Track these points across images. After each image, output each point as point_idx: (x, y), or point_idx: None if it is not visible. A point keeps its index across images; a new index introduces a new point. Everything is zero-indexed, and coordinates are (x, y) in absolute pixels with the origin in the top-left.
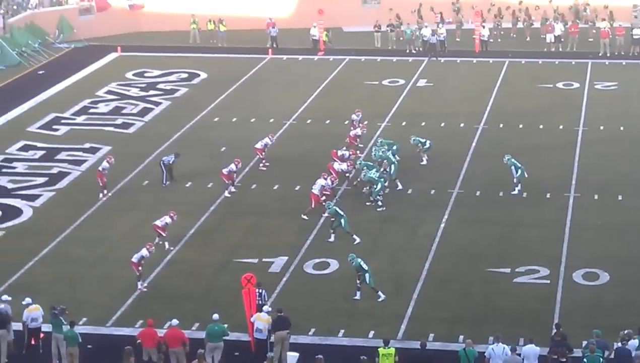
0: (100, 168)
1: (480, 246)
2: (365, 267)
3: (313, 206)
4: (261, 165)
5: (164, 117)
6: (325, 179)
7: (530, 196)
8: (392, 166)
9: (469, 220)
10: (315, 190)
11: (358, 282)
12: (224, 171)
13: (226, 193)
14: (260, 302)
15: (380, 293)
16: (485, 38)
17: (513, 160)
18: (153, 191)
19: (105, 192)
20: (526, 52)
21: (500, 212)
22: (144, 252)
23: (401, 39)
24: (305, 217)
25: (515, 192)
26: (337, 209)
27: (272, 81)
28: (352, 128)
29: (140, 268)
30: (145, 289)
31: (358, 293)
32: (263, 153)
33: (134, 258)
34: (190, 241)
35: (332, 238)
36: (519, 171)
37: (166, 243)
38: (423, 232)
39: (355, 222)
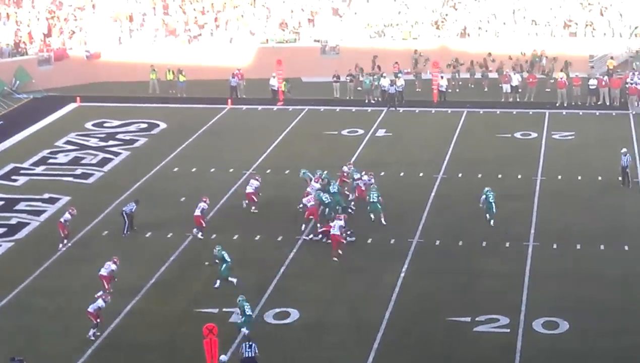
0: (62, 219)
1: (441, 295)
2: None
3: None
4: (253, 208)
5: (124, 167)
6: (340, 220)
7: (490, 245)
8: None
9: (429, 270)
10: (336, 230)
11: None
12: (197, 213)
13: (199, 235)
14: (250, 355)
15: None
16: (444, 88)
17: (490, 194)
18: (113, 241)
19: (65, 242)
20: (484, 102)
21: (460, 261)
22: (100, 302)
23: (359, 89)
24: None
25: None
26: (224, 255)
27: (232, 131)
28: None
29: (98, 319)
30: (93, 338)
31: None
32: (255, 197)
33: (90, 308)
34: (150, 291)
35: (217, 284)
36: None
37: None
38: (383, 282)
39: (316, 272)
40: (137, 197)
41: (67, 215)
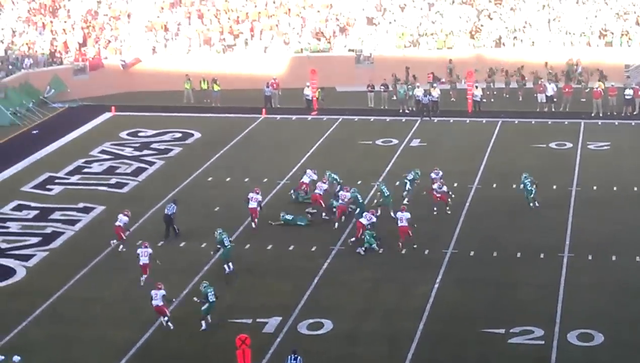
0: (120, 223)
1: (475, 306)
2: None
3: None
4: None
5: (158, 176)
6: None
7: (524, 256)
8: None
9: (464, 280)
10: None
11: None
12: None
13: (120, 248)
14: None
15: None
16: (478, 98)
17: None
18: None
19: (121, 247)
20: (519, 112)
21: (494, 272)
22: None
23: (394, 98)
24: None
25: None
26: (225, 239)
27: (266, 141)
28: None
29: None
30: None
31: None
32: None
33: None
34: (184, 301)
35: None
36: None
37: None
38: (417, 292)
39: (350, 282)
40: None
41: (124, 218)
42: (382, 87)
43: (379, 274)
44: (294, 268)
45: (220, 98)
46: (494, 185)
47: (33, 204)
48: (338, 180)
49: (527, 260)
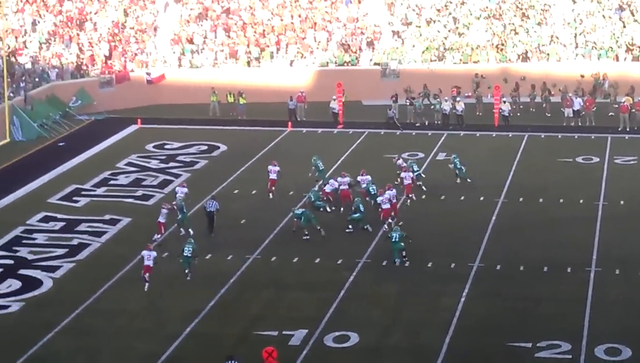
0: (162, 219)
1: (501, 320)
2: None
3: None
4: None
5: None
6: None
7: (551, 270)
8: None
9: (490, 294)
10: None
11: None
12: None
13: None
14: None
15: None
16: (506, 113)
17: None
18: (172, 263)
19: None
20: (546, 126)
21: (520, 286)
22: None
23: (420, 109)
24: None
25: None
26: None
27: (292, 154)
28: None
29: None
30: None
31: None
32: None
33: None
34: (209, 313)
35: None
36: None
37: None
38: (443, 306)
39: (376, 295)
40: (198, 218)
41: (164, 211)
42: (407, 100)
43: (405, 287)
44: (320, 281)
45: (246, 111)
46: (520, 199)
47: (59, 216)
48: (320, 167)
49: (554, 275)
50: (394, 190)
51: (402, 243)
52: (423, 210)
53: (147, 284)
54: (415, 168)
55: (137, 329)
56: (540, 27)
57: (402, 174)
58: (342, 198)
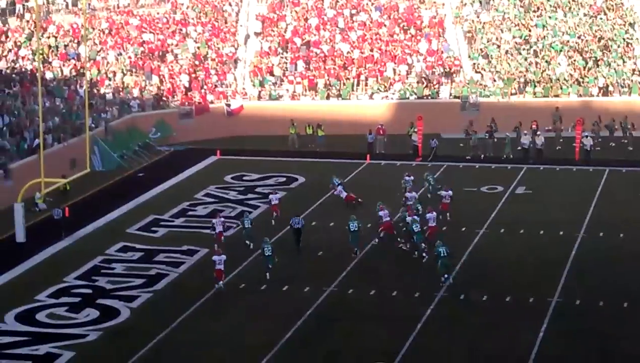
0: (219, 230)
1: (581, 357)
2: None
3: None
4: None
5: (262, 220)
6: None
7: (632, 306)
8: None
9: (569, 330)
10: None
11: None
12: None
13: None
14: None
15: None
16: (588, 148)
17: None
18: (249, 293)
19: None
20: (627, 161)
21: (600, 322)
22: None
23: (475, 143)
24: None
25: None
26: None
27: (370, 186)
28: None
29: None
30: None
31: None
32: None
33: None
34: (284, 346)
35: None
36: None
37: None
38: (522, 341)
39: (453, 329)
40: (275, 248)
41: (220, 226)
42: (486, 133)
43: (482, 321)
44: (397, 314)
45: (325, 143)
46: (601, 234)
47: (138, 246)
48: (336, 182)
49: (635, 311)
50: (434, 213)
51: (448, 259)
52: (501, 244)
53: (220, 284)
54: (432, 181)
55: (213, 360)
56: (622, 60)
57: (407, 194)
58: (385, 230)
